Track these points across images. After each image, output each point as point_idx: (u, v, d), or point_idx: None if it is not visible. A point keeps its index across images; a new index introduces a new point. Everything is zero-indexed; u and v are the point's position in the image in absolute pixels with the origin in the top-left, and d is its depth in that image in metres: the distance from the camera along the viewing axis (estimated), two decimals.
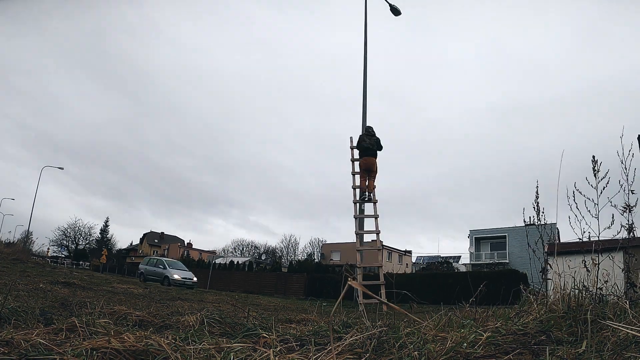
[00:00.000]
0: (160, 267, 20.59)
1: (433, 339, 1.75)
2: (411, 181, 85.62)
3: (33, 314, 2.34)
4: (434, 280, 21.05)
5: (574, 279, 2.43)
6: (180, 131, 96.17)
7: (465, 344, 1.64)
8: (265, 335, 1.97)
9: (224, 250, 71.52)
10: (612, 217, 2.69)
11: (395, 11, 14.14)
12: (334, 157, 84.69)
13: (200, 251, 64.42)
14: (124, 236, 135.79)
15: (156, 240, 70.59)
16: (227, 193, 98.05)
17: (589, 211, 2.70)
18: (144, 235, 72.46)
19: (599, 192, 2.69)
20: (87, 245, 70.00)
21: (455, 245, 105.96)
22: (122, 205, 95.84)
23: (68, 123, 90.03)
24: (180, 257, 44.66)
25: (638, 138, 4.47)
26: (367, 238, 10.05)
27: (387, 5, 14.11)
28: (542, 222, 3.07)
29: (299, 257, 60.59)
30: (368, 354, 1.57)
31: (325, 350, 1.56)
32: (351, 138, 9.93)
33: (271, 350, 1.56)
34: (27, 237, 37.31)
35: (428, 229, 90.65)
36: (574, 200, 2.75)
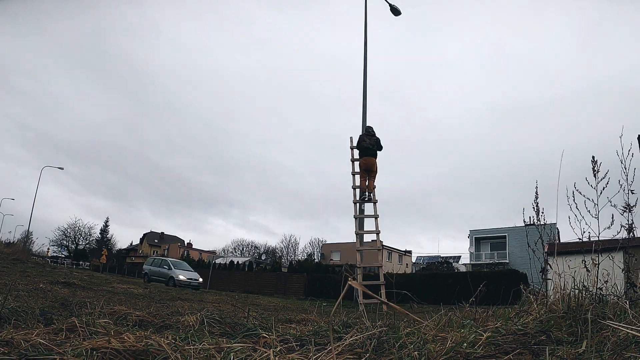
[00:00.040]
0: (165, 268, 20.25)
1: (433, 339, 1.75)
2: (411, 181, 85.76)
3: (33, 314, 2.34)
4: (434, 280, 21.06)
5: (574, 279, 2.43)
6: (180, 131, 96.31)
7: (465, 344, 1.64)
8: (265, 335, 1.97)
9: (224, 250, 71.56)
10: (612, 217, 2.69)
11: (395, 11, 14.14)
12: (334, 157, 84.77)
13: (200, 251, 64.41)
14: (124, 236, 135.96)
15: (156, 240, 70.58)
16: (227, 193, 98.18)
17: (589, 211, 2.70)
18: (144, 235, 72.47)
19: (599, 192, 2.69)
20: (87, 245, 70.02)
21: (455, 245, 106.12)
22: (122, 205, 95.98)
23: (68, 123, 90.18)
24: (180, 257, 44.66)
25: (638, 138, 4.47)
26: (367, 238, 10.06)
27: (387, 5, 14.12)
28: (542, 222, 3.07)
29: (299, 257, 60.62)
30: (368, 354, 1.57)
31: (325, 350, 1.56)
32: (351, 138, 9.93)
33: (271, 350, 1.56)
34: (27, 237, 37.36)
35: (428, 229, 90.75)
36: (574, 200, 2.75)
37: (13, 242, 30.75)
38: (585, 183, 2.76)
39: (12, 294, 3.35)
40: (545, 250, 3.24)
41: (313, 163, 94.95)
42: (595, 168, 2.73)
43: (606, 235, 2.68)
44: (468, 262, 43.26)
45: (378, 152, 9.45)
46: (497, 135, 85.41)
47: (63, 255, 63.22)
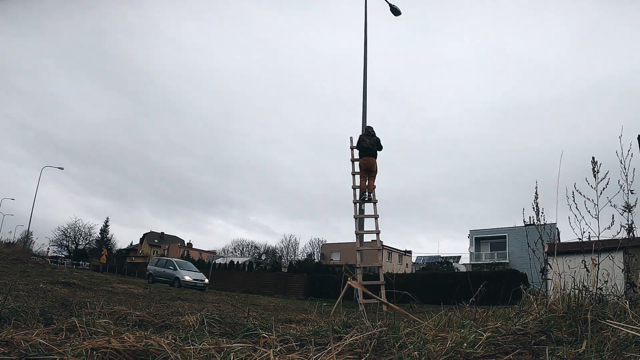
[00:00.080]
0: (170, 268, 19.84)
1: (433, 339, 1.75)
2: (411, 181, 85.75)
3: (33, 314, 2.34)
4: (434, 280, 21.06)
5: (574, 279, 2.43)
6: (180, 131, 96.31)
7: (465, 344, 1.64)
8: (265, 335, 1.97)
9: (224, 250, 71.57)
10: (612, 218, 2.69)
11: (395, 11, 14.15)
12: (334, 157, 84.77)
13: (200, 251, 64.40)
14: (124, 236, 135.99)
15: (156, 240, 70.57)
16: (227, 193, 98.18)
17: (589, 212, 2.70)
18: (144, 235, 72.46)
19: (599, 192, 2.69)
20: (87, 245, 70.01)
21: (455, 245, 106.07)
22: (122, 205, 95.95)
23: (68, 123, 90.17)
24: (180, 257, 44.61)
25: (638, 138, 4.47)
26: (367, 238, 10.06)
27: (387, 5, 14.12)
28: (542, 222, 3.07)
29: (299, 257, 60.64)
30: (368, 354, 1.57)
31: (325, 350, 1.56)
32: (351, 138, 9.93)
33: (271, 350, 1.56)
34: (27, 237, 37.38)
35: (428, 229, 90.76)
36: (574, 200, 2.75)
37: (13, 242, 30.84)
38: (585, 183, 2.76)
39: (12, 294, 3.35)
40: (545, 250, 3.24)
41: (313, 163, 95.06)
42: (596, 169, 2.73)
43: (606, 235, 2.68)
44: (468, 262, 43.27)
45: (378, 152, 9.45)
46: (497, 135, 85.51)
47: (63, 255, 63.21)
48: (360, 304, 6.43)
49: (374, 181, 9.37)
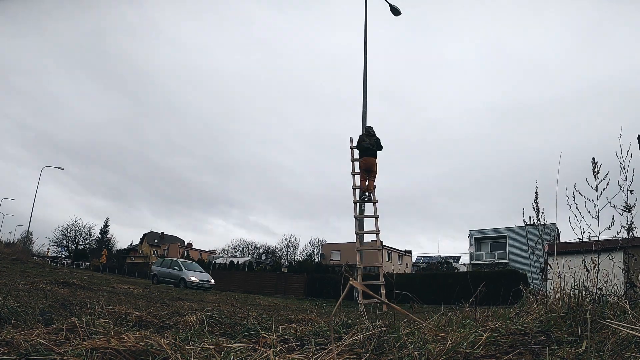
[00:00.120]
0: (175, 269, 19.44)
1: (433, 339, 1.75)
2: (411, 181, 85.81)
3: (33, 314, 2.34)
4: (434, 280, 21.05)
5: (574, 279, 2.43)
6: (180, 131, 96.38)
7: (465, 344, 1.64)
8: (265, 335, 1.97)
9: (224, 250, 71.57)
10: (612, 218, 2.69)
11: (395, 11, 14.15)
12: (334, 157, 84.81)
13: (200, 251, 64.40)
14: (124, 236, 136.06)
15: (156, 240, 70.57)
16: (227, 193, 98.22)
17: (589, 212, 2.70)
18: (144, 235, 72.46)
19: (599, 193, 2.70)
20: (87, 245, 69.99)
21: (455, 245, 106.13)
22: (122, 205, 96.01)
23: (68, 123, 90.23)
24: (180, 257, 44.63)
25: (638, 138, 4.47)
26: (367, 238, 10.06)
27: (387, 5, 14.12)
28: (542, 222, 3.07)
29: (299, 257, 60.65)
30: (368, 354, 1.57)
31: (325, 351, 1.56)
32: (351, 138, 9.94)
33: (271, 350, 1.56)
34: (27, 237, 37.43)
35: (428, 229, 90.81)
36: (574, 200, 2.75)
37: (13, 242, 30.86)
38: (585, 183, 2.76)
39: (12, 294, 3.35)
40: (545, 250, 3.24)
41: (313, 163, 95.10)
42: (596, 169, 2.73)
43: (606, 235, 2.68)
44: (468, 262, 43.27)
45: (378, 152, 9.45)
46: (497, 135, 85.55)
47: (63, 255, 63.20)
48: (360, 304, 6.43)
49: (374, 181, 9.37)
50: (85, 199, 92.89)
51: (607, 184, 2.71)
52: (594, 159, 2.74)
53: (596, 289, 2.39)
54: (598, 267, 2.52)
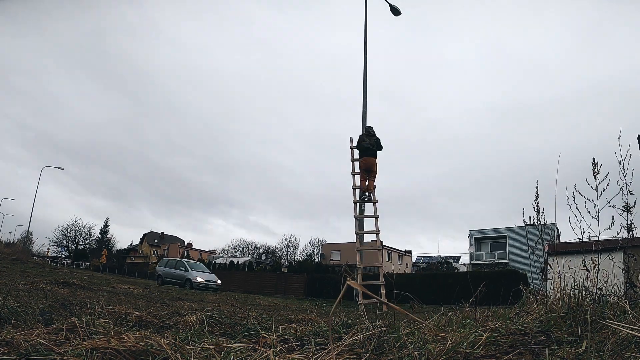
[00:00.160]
0: (181, 269, 19.12)
1: (433, 339, 1.75)
2: (411, 181, 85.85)
3: (33, 314, 2.34)
4: (434, 280, 21.04)
5: (574, 279, 2.43)
6: (180, 131, 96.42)
7: (465, 344, 1.64)
8: (265, 335, 1.97)
9: (224, 250, 71.60)
10: (612, 219, 2.69)
11: (395, 11, 14.15)
12: (334, 157, 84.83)
13: (200, 251, 64.42)
14: (124, 236, 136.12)
15: (156, 240, 70.58)
16: (227, 193, 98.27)
17: (589, 212, 2.70)
18: (144, 235, 72.49)
19: (599, 193, 2.70)
20: (87, 245, 70.00)
21: (455, 245, 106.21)
22: (122, 205, 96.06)
23: (68, 123, 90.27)
24: (180, 257, 44.62)
25: (638, 138, 4.47)
26: (367, 238, 10.06)
27: (387, 5, 14.12)
28: (542, 222, 3.07)
29: (299, 257, 60.66)
30: (368, 354, 1.57)
31: (325, 351, 1.56)
32: (351, 138, 9.93)
33: (271, 350, 1.56)
34: (27, 237, 37.45)
35: (428, 229, 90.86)
36: (574, 200, 2.75)
37: (13, 242, 30.88)
38: (585, 183, 2.76)
39: (12, 294, 3.35)
40: (545, 250, 3.24)
41: (313, 163, 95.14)
42: (596, 170, 2.73)
43: (606, 235, 2.68)
44: (468, 262, 43.27)
45: (378, 152, 9.45)
46: (497, 135, 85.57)
47: (63, 255, 63.21)
48: (360, 304, 6.43)
49: (374, 181, 9.37)
50: (85, 199, 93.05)
51: (607, 185, 2.71)
52: (594, 159, 2.75)
53: (596, 289, 2.39)
54: (598, 267, 2.52)
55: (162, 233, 71.61)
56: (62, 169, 45.84)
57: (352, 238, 9.42)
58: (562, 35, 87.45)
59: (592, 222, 2.68)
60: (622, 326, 1.61)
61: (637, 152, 2.98)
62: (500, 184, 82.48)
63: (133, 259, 67.62)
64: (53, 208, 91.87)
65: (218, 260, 47.97)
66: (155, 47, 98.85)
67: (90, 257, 56.43)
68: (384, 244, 34.39)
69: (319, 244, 62.51)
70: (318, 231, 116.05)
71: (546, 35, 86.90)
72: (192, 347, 1.61)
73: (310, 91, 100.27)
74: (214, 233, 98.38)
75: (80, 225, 69.95)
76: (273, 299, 14.01)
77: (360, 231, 9.23)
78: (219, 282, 19.30)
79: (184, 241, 70.82)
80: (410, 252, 55.01)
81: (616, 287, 2.52)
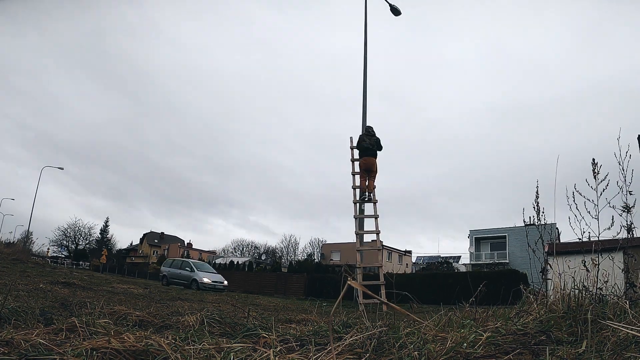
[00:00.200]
0: (186, 270, 18.92)
1: (433, 339, 1.75)
2: (411, 181, 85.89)
3: (33, 314, 2.34)
4: (434, 280, 21.03)
5: (574, 279, 2.43)
6: (180, 131, 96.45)
7: (465, 344, 1.64)
8: (265, 335, 1.97)
9: (224, 250, 71.60)
10: (612, 219, 2.69)
11: (395, 11, 14.15)
12: (334, 157, 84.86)
13: (200, 251, 64.44)
14: (124, 236, 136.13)
15: (156, 240, 70.58)
16: (227, 193, 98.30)
17: (589, 212, 2.70)
18: (144, 235, 72.49)
19: (599, 193, 2.70)
20: (87, 245, 70.00)
21: (455, 245, 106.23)
22: (122, 205, 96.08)
23: (68, 123, 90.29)
24: (180, 257, 44.61)
25: (638, 138, 4.47)
26: (367, 238, 10.06)
27: (387, 5, 14.12)
28: (542, 222, 3.07)
29: (299, 257, 60.67)
30: (368, 354, 1.57)
31: (325, 351, 1.56)
32: (351, 138, 9.93)
33: (271, 350, 1.56)
34: (27, 237, 37.42)
35: (428, 229, 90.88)
36: (574, 200, 2.75)
37: (13, 242, 30.89)
38: (585, 184, 2.76)
39: (12, 294, 3.35)
40: (545, 250, 3.24)
41: (313, 163, 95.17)
42: (596, 170, 2.73)
43: (606, 235, 2.69)
44: (468, 262, 43.27)
45: (378, 152, 9.45)
46: (497, 135, 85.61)
47: (63, 255, 63.20)
48: (360, 304, 6.43)
49: (374, 181, 9.37)
50: (85, 199, 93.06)
51: (607, 185, 2.71)
52: (593, 159, 2.75)
53: (596, 289, 2.39)
54: (598, 267, 2.52)
55: (162, 233, 71.61)
56: (62, 169, 45.92)
57: (352, 238, 9.42)
58: (562, 35, 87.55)
59: (592, 222, 2.69)
60: (622, 326, 1.61)
61: (636, 152, 2.98)
62: (500, 184, 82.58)
63: (133, 259, 67.64)
64: (53, 208, 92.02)
65: (218, 260, 47.97)
66: (155, 47, 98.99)
67: (90, 257, 56.42)
68: (384, 244, 34.41)
69: (319, 244, 62.54)
70: (318, 231, 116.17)
71: (546, 35, 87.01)
72: (192, 347, 1.61)
73: (310, 91, 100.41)
74: (214, 233, 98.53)
75: (80, 225, 70.05)
76: (273, 299, 14.01)
77: (360, 231, 9.23)
78: (225, 282, 19.12)
79: (184, 241, 70.84)
80: (410, 252, 55.04)
81: (616, 287, 2.52)
